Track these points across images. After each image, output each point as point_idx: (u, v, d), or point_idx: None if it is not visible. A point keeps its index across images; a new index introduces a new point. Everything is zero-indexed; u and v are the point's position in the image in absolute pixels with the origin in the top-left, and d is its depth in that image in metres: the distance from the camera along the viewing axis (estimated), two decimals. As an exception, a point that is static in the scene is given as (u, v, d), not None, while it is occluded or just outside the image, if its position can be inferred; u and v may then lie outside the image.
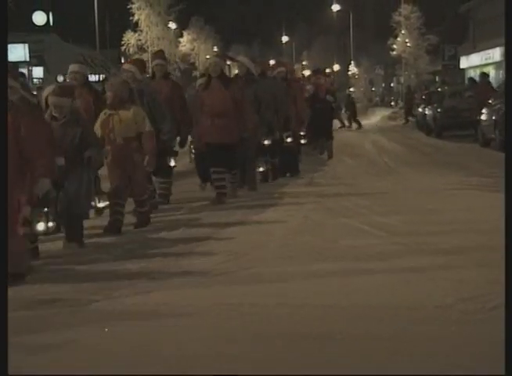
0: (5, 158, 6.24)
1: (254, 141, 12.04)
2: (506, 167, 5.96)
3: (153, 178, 10.60)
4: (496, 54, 43.24)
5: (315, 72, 21.14)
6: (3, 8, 6.32)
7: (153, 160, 9.09)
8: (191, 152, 13.90)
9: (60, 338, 4.91)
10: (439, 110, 27.49)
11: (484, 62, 46.06)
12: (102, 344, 4.80)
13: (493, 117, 19.55)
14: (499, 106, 19.19)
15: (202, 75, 13.11)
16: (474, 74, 47.83)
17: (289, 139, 13.88)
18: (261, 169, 12.65)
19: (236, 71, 13.35)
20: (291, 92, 14.36)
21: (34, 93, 11.39)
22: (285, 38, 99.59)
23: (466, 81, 27.98)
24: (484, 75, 25.44)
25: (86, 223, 8.41)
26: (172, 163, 10.86)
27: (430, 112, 28.83)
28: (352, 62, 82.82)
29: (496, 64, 42.45)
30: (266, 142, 12.81)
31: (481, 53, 46.35)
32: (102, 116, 9.13)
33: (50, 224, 6.97)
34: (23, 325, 5.15)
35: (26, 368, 4.46)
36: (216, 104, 10.82)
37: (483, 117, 21.01)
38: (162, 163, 10.16)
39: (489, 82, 24.84)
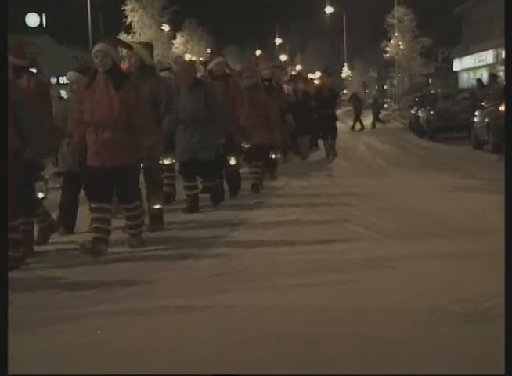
0: (5, 158, 6.17)
1: (154, 163, 8.87)
2: (506, 168, 5.96)
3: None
4: (489, 56, 43.36)
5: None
6: (3, 7, 6.29)
7: None
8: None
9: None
10: (432, 112, 27.53)
11: (477, 64, 46.19)
12: (99, 346, 4.79)
13: (486, 120, 19.59)
14: (491, 108, 19.24)
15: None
16: (467, 76, 48.03)
17: (232, 162, 11.28)
18: (157, 206, 8.92)
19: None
20: (230, 93, 11.32)
21: None
22: (278, 40, 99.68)
23: (475, 83, 27.88)
24: (494, 77, 25.36)
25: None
26: (41, 195, 7.76)
27: (424, 114, 28.87)
28: (345, 64, 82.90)
29: (489, 66, 42.55)
30: (166, 162, 10.10)
31: (474, 56, 46.48)
32: None
33: None
34: None
35: (26, 368, 4.46)
36: (99, 111, 7.70)
37: (476, 119, 21.05)
38: (22, 194, 7.22)
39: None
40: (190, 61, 11.71)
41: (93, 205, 7.79)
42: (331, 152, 20.31)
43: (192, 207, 10.27)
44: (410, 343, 4.60)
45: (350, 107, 42.09)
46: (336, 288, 5.93)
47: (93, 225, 7.85)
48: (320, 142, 21.82)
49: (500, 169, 12.83)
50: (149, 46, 9.70)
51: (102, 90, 7.71)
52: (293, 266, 6.77)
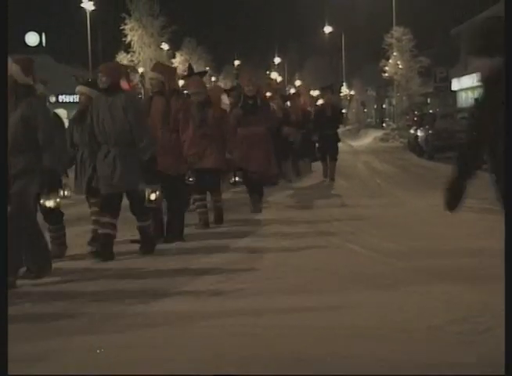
0: (5, 158, 6.14)
1: (21, 201, 7.28)
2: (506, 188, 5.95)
3: None
4: (487, 76, 43.40)
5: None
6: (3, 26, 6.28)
7: None
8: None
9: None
10: (431, 131, 27.59)
11: (475, 84, 46.27)
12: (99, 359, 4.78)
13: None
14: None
15: None
16: (466, 95, 48.14)
17: (153, 196, 8.69)
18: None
19: None
20: (172, 113, 9.67)
21: None
22: (277, 60, 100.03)
23: (473, 102, 28.06)
24: None
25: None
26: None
27: (422, 133, 28.93)
28: (344, 83, 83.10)
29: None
30: (48, 203, 7.63)
31: (473, 75, 46.59)
32: None
33: None
34: None
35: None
36: None
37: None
38: None
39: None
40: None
41: None
42: (328, 175, 18.91)
43: (106, 251, 8.47)
44: (408, 362, 4.58)
45: (349, 127, 42.37)
46: (333, 307, 5.92)
47: None
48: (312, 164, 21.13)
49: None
50: (24, 62, 7.81)
51: None
52: (291, 286, 6.76)
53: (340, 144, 19.81)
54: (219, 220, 11.06)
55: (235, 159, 11.69)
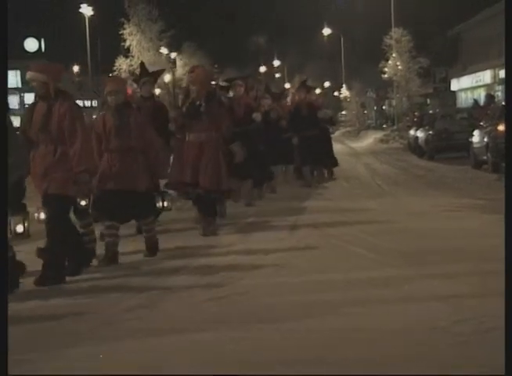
0: (5, 160, 6.13)
1: None
2: (506, 187, 5.98)
3: None
4: (487, 76, 43.55)
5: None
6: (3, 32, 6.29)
7: None
8: None
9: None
10: (431, 132, 27.59)
11: (474, 84, 46.39)
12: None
13: (485, 140, 19.64)
14: (490, 128, 19.29)
15: None
16: (465, 96, 48.18)
17: (20, 228, 7.47)
18: None
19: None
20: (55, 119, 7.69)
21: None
22: (276, 62, 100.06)
23: (472, 102, 28.10)
24: (491, 97, 25.32)
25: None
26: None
27: (422, 134, 28.93)
28: (344, 85, 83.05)
29: (487, 86, 42.70)
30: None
31: (472, 76, 46.71)
32: None
33: None
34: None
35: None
36: None
37: (475, 139, 21.10)
38: None
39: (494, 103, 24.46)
40: None
41: None
42: (314, 179, 17.48)
43: None
44: (411, 363, 4.59)
45: (349, 128, 42.22)
46: (338, 310, 5.92)
47: None
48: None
49: (499, 189, 12.87)
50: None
51: None
52: (294, 289, 6.76)
53: (339, 146, 19.70)
54: (153, 252, 8.89)
55: (170, 174, 10.12)
